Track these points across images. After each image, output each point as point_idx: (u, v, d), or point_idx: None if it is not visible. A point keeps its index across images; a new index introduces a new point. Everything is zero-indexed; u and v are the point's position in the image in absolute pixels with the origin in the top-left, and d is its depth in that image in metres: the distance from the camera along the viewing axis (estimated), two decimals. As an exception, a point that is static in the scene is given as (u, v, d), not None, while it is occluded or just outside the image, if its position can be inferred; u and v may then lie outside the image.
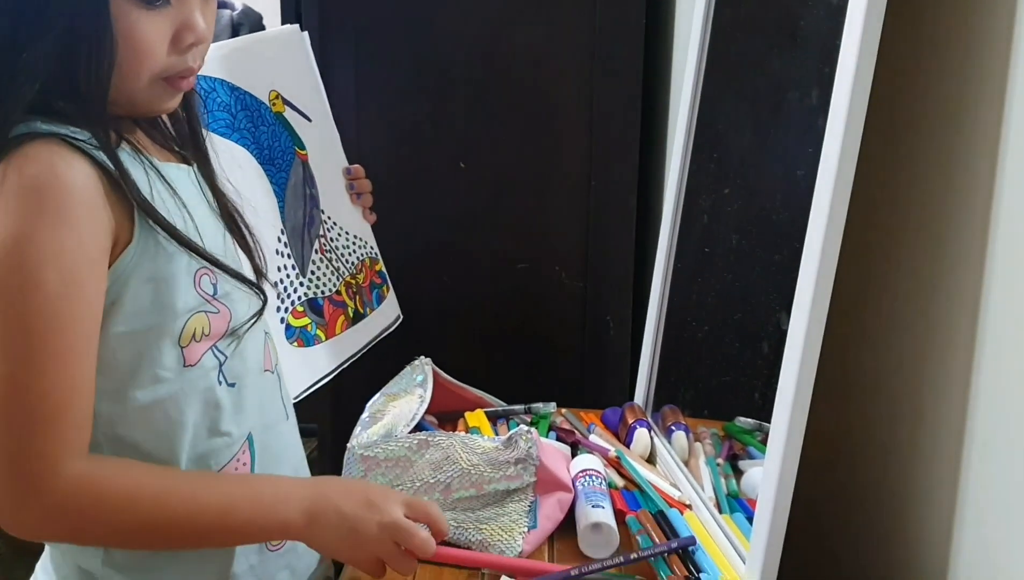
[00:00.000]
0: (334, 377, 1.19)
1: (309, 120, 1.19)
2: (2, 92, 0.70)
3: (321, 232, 1.20)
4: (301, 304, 1.15)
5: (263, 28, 2.54)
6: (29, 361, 0.68)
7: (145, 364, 0.75)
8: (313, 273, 1.17)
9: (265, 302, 0.84)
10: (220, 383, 0.80)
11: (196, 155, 0.85)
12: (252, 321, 0.82)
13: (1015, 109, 0.70)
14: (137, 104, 0.76)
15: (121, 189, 0.71)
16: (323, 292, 1.18)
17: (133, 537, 0.75)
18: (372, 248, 1.29)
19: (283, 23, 1.50)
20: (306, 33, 1.21)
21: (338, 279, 1.21)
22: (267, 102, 1.14)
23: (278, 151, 1.15)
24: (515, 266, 1.53)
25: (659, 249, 1.23)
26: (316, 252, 1.18)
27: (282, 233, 1.14)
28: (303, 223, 1.17)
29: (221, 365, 0.80)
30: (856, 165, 0.75)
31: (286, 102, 1.16)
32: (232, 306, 0.81)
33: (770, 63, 1.04)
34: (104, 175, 0.71)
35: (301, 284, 1.16)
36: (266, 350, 0.87)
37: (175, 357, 0.76)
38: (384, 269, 1.32)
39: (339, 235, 1.22)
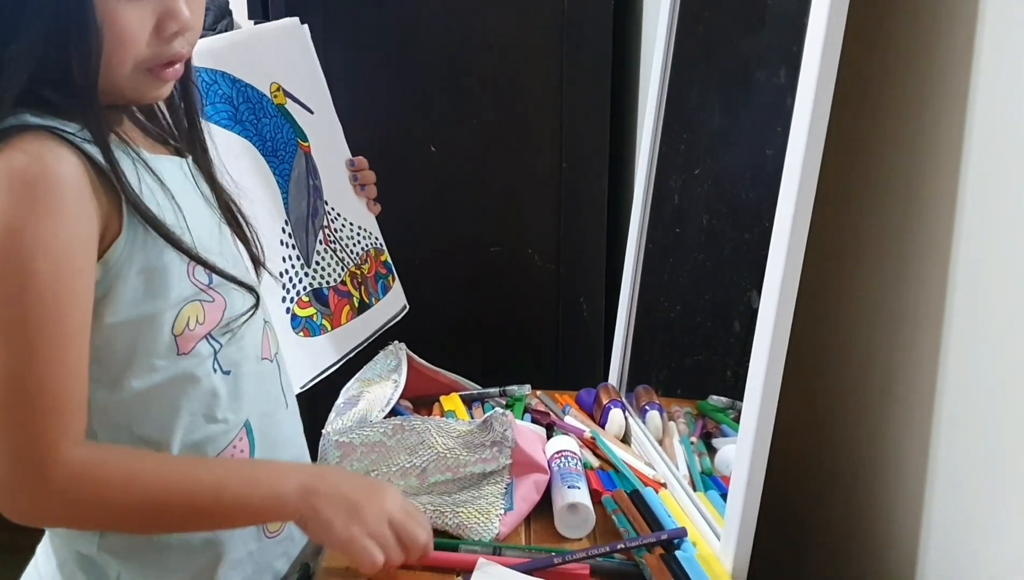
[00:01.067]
0: (340, 366, 1.19)
1: (311, 112, 1.20)
2: None
3: (325, 223, 1.20)
4: (307, 294, 1.16)
5: (229, 13, 2.51)
6: (25, 351, 0.68)
7: (140, 353, 0.75)
8: (318, 264, 1.18)
9: (258, 299, 0.84)
10: (215, 371, 0.80)
11: (191, 147, 0.85)
12: (246, 316, 0.82)
13: (979, 90, 0.70)
14: (123, 93, 0.76)
15: (109, 181, 0.71)
16: (328, 282, 1.19)
17: (132, 520, 0.76)
18: (377, 238, 1.30)
19: (249, 8, 1.48)
20: (306, 26, 1.21)
21: (343, 269, 1.21)
22: (268, 94, 1.14)
23: (281, 143, 1.15)
24: (488, 249, 1.53)
25: (631, 230, 1.24)
26: (321, 242, 1.19)
27: (286, 224, 1.14)
28: (307, 214, 1.17)
29: (216, 353, 0.80)
30: (825, 145, 0.76)
31: (287, 94, 1.17)
32: (228, 295, 0.81)
33: (738, 43, 1.04)
34: (92, 167, 0.71)
35: (306, 274, 1.16)
36: (265, 338, 0.87)
37: (169, 345, 0.77)
38: (389, 260, 1.32)
39: (343, 226, 1.22)
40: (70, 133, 0.70)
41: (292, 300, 1.13)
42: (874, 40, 0.86)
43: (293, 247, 1.15)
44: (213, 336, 0.80)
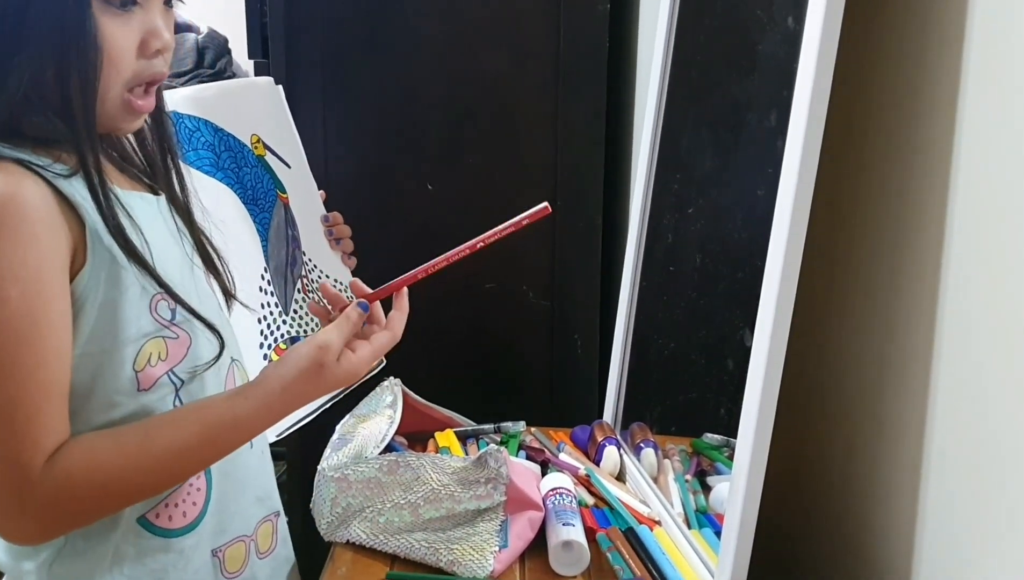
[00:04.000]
0: (334, 403, 1.19)
1: (288, 166, 1.22)
2: None
3: (303, 273, 1.22)
4: (284, 342, 1.17)
5: (228, 52, 2.54)
6: (1, 377, 0.68)
7: (99, 387, 0.76)
8: (296, 312, 1.19)
9: (222, 343, 0.84)
10: (174, 406, 0.80)
11: (166, 181, 0.85)
12: (208, 364, 0.83)
13: (964, 129, 0.72)
14: (102, 120, 0.76)
15: (75, 212, 0.72)
16: (306, 330, 1.20)
17: (135, 490, 0.76)
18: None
19: (249, 46, 1.50)
20: (280, 87, 1.23)
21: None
22: (249, 145, 1.16)
23: (261, 192, 1.17)
24: (483, 286, 1.54)
25: (625, 268, 1.25)
26: (299, 291, 1.20)
27: (265, 271, 1.15)
28: (286, 262, 1.19)
29: (178, 390, 0.80)
30: (815, 186, 0.77)
31: (267, 147, 1.20)
32: (193, 332, 0.81)
33: (730, 87, 1.06)
34: (59, 197, 0.71)
35: (284, 322, 1.17)
36: (230, 375, 0.87)
37: (130, 381, 0.77)
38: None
39: (319, 277, 1.24)
40: (38, 165, 0.71)
41: (270, 346, 1.14)
42: (862, 86, 0.88)
43: (272, 294, 1.16)
44: (175, 373, 0.80)
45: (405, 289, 0.87)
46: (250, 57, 1.52)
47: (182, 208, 0.85)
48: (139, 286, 0.76)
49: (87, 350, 0.74)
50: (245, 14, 1.49)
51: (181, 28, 2.30)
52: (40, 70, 0.70)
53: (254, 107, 1.19)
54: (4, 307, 0.68)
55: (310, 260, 1.23)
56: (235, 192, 1.13)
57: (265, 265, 1.15)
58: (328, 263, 1.26)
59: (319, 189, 1.26)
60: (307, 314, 1.20)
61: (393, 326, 0.85)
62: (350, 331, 0.82)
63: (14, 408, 0.69)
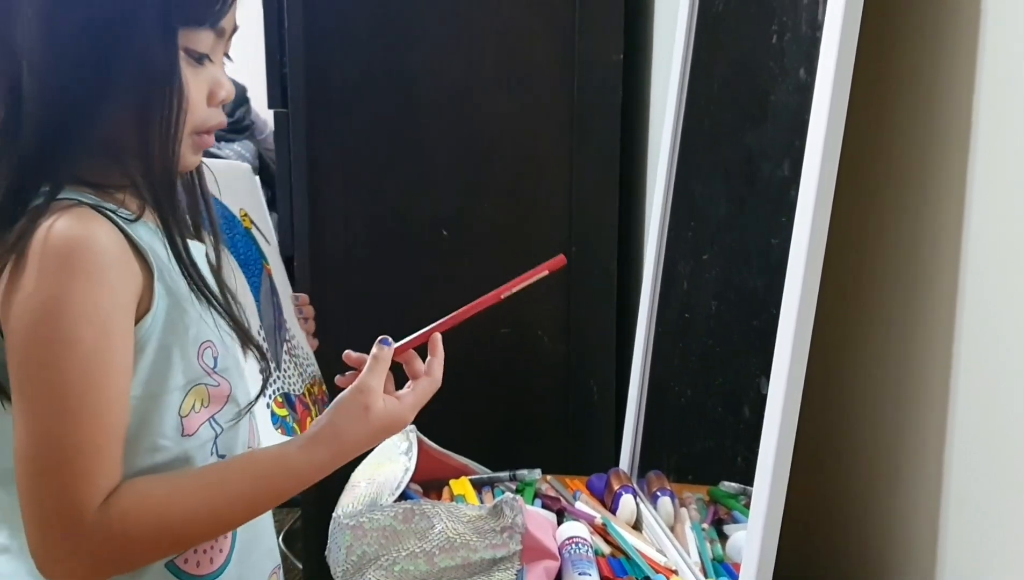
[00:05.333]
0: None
1: (268, 243, 1.27)
2: (50, 155, 0.71)
3: (287, 338, 1.25)
4: (280, 395, 1.19)
5: (247, 100, 2.59)
6: (65, 417, 0.69)
7: (147, 431, 0.76)
8: (285, 370, 1.22)
9: (270, 372, 0.85)
10: (212, 454, 0.81)
11: (211, 234, 0.87)
12: (245, 411, 0.84)
13: (977, 176, 0.72)
14: None
15: (143, 258, 0.73)
16: (294, 390, 1.23)
17: (188, 537, 0.77)
18: (317, 370, 1.33)
19: (268, 95, 1.53)
20: (257, 177, 1.29)
21: (302, 383, 1.25)
22: (239, 216, 1.20)
23: (251, 259, 1.22)
24: (498, 331, 1.54)
25: (640, 314, 1.25)
26: (286, 352, 1.23)
27: (260, 328, 1.18)
28: (274, 325, 1.23)
29: (217, 437, 0.81)
30: (828, 236, 0.78)
31: (252, 221, 1.24)
32: (231, 380, 0.82)
33: (742, 136, 1.07)
34: (129, 242, 0.73)
35: (278, 377, 1.19)
36: (251, 427, 0.88)
37: (175, 426, 0.77)
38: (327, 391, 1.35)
39: (297, 346, 1.27)
40: (109, 209, 0.73)
41: (271, 397, 1.17)
42: (873, 136, 0.88)
43: (267, 350, 1.18)
44: (216, 420, 0.81)
45: (438, 335, 0.87)
46: (270, 107, 1.55)
47: (218, 259, 0.87)
48: (193, 332, 0.77)
49: (140, 393, 0.75)
50: (265, 64, 1.52)
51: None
52: (124, 117, 0.72)
53: (240, 186, 1.25)
54: (77, 348, 0.69)
55: (290, 329, 1.26)
56: (231, 254, 1.17)
57: (260, 323, 1.18)
58: (299, 338, 1.29)
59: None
60: (293, 374, 1.23)
61: (433, 372, 0.87)
62: (382, 369, 0.83)
63: (76, 450, 0.70)
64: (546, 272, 0.91)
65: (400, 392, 0.84)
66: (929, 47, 0.81)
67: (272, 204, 1.63)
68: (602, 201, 1.51)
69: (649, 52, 1.49)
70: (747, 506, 0.88)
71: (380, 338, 0.85)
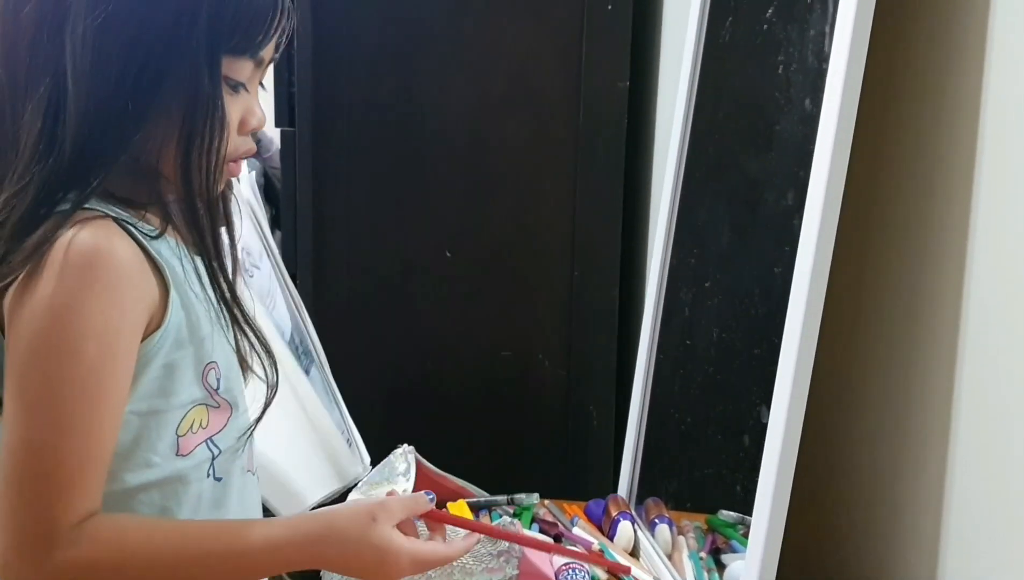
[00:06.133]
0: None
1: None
2: (85, 169, 0.71)
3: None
4: None
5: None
6: (55, 428, 0.69)
7: (141, 447, 0.75)
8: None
9: (275, 390, 0.84)
10: (208, 476, 0.80)
11: (231, 258, 0.85)
12: (247, 433, 0.83)
13: (980, 210, 0.73)
14: None
15: (160, 273, 0.73)
16: None
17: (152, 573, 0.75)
18: None
19: (276, 116, 1.54)
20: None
21: None
22: None
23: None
24: (499, 354, 1.54)
25: (642, 340, 1.25)
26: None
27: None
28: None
29: (214, 458, 0.80)
30: (831, 266, 0.78)
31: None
32: (234, 402, 0.81)
33: (747, 165, 1.08)
34: (148, 258, 0.72)
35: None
36: (249, 450, 0.88)
37: (170, 444, 0.77)
38: None
39: None
40: (129, 222, 0.72)
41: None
42: (879, 164, 0.89)
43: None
44: (213, 442, 0.80)
45: (477, 535, 0.84)
46: (277, 125, 1.55)
47: (224, 273, 0.86)
48: (198, 352, 0.77)
49: (139, 408, 0.74)
50: (273, 82, 1.53)
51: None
52: (164, 140, 0.72)
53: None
54: (79, 361, 0.68)
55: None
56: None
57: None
58: None
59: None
60: None
61: (452, 545, 0.81)
62: (414, 508, 0.79)
63: (58, 464, 0.69)
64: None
65: (415, 540, 0.79)
66: (934, 80, 0.81)
67: (276, 222, 1.63)
68: (606, 226, 1.51)
69: (655, 80, 1.50)
70: (745, 535, 0.88)
71: (427, 491, 0.83)
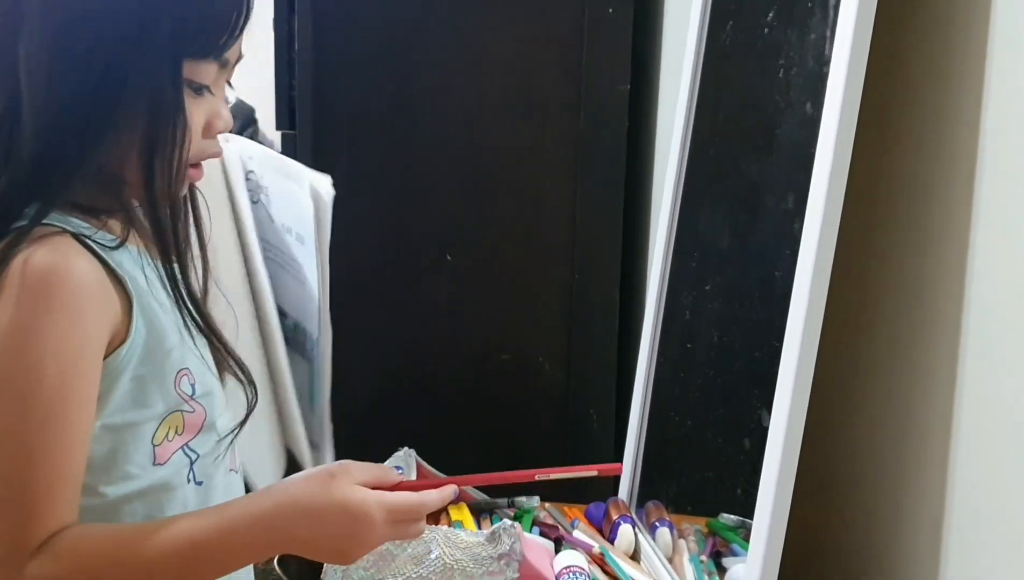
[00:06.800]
0: None
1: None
2: (44, 179, 0.70)
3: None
4: None
5: (255, 121, 2.61)
6: (19, 454, 0.68)
7: (118, 460, 0.75)
8: None
9: (255, 397, 0.83)
10: (189, 481, 0.79)
11: (202, 260, 0.84)
12: (231, 436, 0.81)
13: (981, 212, 0.73)
14: None
15: (122, 287, 0.72)
16: None
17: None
18: None
19: (277, 119, 1.54)
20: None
21: None
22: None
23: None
24: (499, 357, 1.54)
25: (642, 343, 1.25)
26: None
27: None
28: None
29: (192, 463, 0.79)
30: (832, 268, 0.78)
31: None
32: (210, 405, 0.80)
33: (748, 168, 1.08)
34: (108, 272, 0.71)
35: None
36: (232, 450, 0.87)
37: (147, 455, 0.76)
38: None
39: None
40: (87, 236, 0.71)
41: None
42: (879, 172, 0.89)
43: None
44: (190, 447, 0.79)
45: (454, 487, 0.81)
46: (277, 128, 1.56)
47: (196, 282, 0.82)
48: (169, 361, 0.76)
49: (112, 422, 0.73)
50: (274, 86, 1.53)
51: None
52: (125, 146, 0.71)
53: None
54: (40, 383, 0.67)
55: None
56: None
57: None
58: None
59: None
60: None
61: (427, 496, 0.77)
62: (377, 475, 0.76)
63: (23, 487, 0.68)
64: (595, 472, 0.86)
65: (382, 491, 0.73)
66: (934, 84, 0.81)
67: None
68: (606, 229, 1.51)
69: (656, 83, 1.50)
70: (746, 539, 0.88)
71: (396, 465, 0.81)
